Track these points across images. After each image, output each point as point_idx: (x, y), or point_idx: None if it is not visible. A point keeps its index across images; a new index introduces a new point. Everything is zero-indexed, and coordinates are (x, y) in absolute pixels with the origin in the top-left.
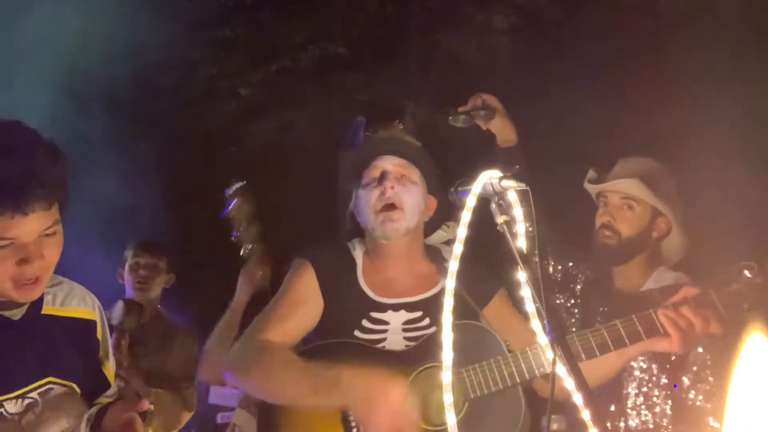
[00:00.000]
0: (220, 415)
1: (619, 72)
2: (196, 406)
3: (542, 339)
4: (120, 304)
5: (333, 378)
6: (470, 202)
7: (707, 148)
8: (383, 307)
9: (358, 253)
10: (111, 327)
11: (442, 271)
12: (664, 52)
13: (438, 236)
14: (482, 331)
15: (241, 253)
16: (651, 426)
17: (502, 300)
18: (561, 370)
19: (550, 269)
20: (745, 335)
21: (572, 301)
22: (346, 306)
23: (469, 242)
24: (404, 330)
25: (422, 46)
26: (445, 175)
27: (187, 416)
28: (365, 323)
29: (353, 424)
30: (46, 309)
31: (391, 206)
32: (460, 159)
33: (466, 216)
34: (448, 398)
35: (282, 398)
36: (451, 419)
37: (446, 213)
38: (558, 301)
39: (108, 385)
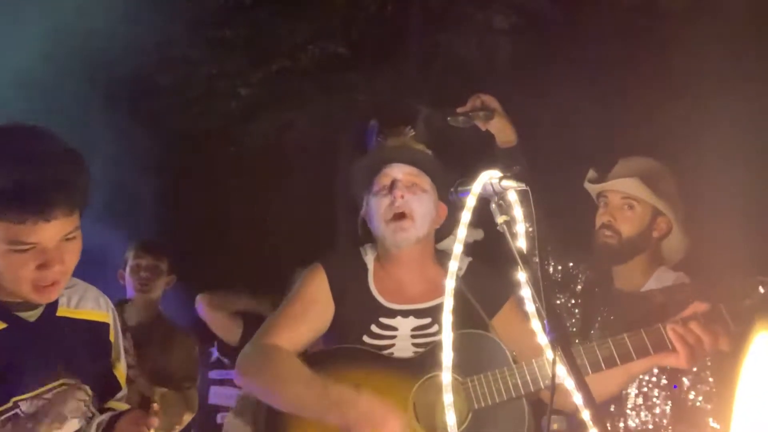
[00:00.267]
0: (220, 415)
1: (619, 72)
2: (197, 407)
3: (542, 339)
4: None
5: (337, 395)
6: (470, 202)
7: (707, 147)
8: (393, 313)
9: (369, 259)
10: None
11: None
12: (664, 52)
13: (450, 242)
14: (489, 341)
15: None
16: (651, 426)
17: (512, 309)
18: (561, 370)
19: (550, 269)
20: (752, 335)
21: (572, 301)
22: (356, 311)
23: (485, 245)
24: (413, 336)
25: (422, 46)
26: (449, 177)
27: (189, 417)
28: (374, 328)
29: None
30: (61, 311)
31: (401, 215)
32: (460, 159)
33: (465, 216)
34: (448, 398)
35: (285, 407)
36: (451, 419)
37: (458, 219)
38: (558, 301)
39: (119, 387)
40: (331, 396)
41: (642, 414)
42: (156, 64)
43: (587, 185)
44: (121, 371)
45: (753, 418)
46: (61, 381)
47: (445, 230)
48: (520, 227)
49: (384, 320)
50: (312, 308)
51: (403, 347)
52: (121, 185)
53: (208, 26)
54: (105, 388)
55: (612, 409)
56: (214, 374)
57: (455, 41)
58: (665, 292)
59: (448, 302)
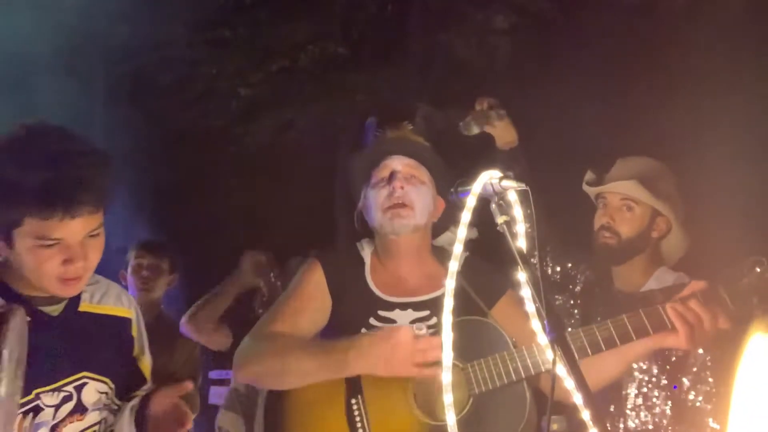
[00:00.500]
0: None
1: (619, 72)
2: (199, 407)
3: (542, 339)
4: None
5: (344, 346)
6: (470, 202)
7: (708, 147)
8: (391, 306)
9: (366, 253)
10: None
11: None
12: (664, 52)
13: (446, 238)
14: (488, 326)
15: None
16: (651, 427)
17: (511, 301)
18: (561, 370)
19: (549, 270)
20: (748, 336)
21: (572, 302)
22: (353, 304)
23: (480, 243)
24: None
25: (422, 46)
26: (452, 175)
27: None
28: (372, 321)
29: (357, 417)
30: (83, 306)
31: (400, 205)
32: (458, 159)
33: (466, 216)
34: (448, 398)
35: (296, 379)
36: (451, 419)
37: (455, 215)
38: (557, 302)
39: (144, 381)
40: (336, 348)
41: (642, 414)
42: (156, 64)
43: (585, 188)
44: (146, 364)
45: (749, 418)
46: (82, 374)
47: (439, 227)
48: (520, 227)
49: (382, 313)
50: (310, 303)
51: None
52: (121, 185)
53: (208, 26)
54: (129, 381)
55: (612, 409)
56: (214, 374)
57: (455, 41)
58: (665, 293)
59: (448, 302)
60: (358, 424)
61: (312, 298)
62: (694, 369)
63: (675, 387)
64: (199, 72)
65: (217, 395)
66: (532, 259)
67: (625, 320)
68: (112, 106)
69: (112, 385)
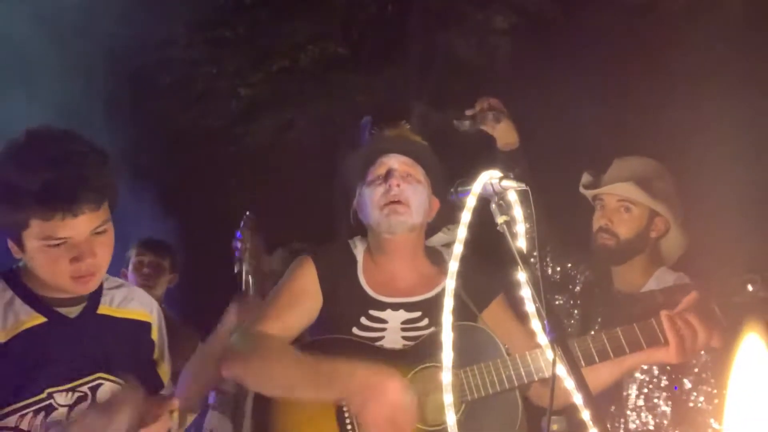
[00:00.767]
0: None
1: (620, 72)
2: (200, 407)
3: (542, 339)
4: None
5: (331, 370)
6: (470, 202)
7: (707, 147)
8: (382, 306)
9: (359, 251)
10: None
11: (443, 272)
12: (664, 52)
13: (438, 238)
14: (482, 332)
15: (242, 284)
16: (651, 428)
17: (501, 305)
18: (561, 370)
19: (549, 270)
20: (741, 336)
21: (571, 302)
22: (345, 303)
23: (472, 244)
24: (403, 329)
25: (422, 46)
26: (448, 176)
27: (191, 417)
28: (364, 321)
29: (348, 419)
30: (102, 309)
31: (396, 202)
32: (456, 159)
33: (466, 216)
34: (448, 398)
35: (279, 389)
36: (450, 419)
37: (448, 216)
38: (557, 302)
39: (162, 385)
40: (325, 371)
41: (643, 415)
42: (156, 64)
43: (582, 190)
44: (165, 370)
45: (743, 420)
46: (97, 375)
47: (432, 228)
48: (520, 227)
49: (374, 313)
50: (300, 299)
51: (392, 340)
52: (121, 185)
53: (208, 26)
54: (146, 385)
55: (612, 410)
56: None
57: (455, 41)
58: (665, 293)
59: (448, 302)
60: (349, 428)
61: (303, 294)
62: (696, 370)
63: (676, 388)
64: (199, 72)
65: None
66: (531, 260)
67: (619, 333)
68: (112, 106)
69: None
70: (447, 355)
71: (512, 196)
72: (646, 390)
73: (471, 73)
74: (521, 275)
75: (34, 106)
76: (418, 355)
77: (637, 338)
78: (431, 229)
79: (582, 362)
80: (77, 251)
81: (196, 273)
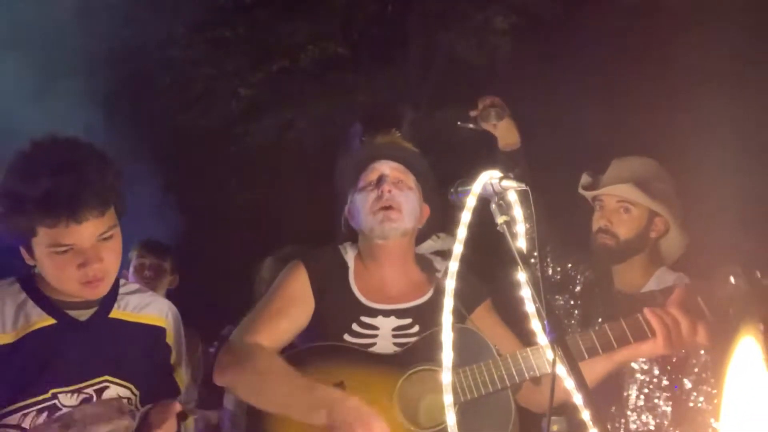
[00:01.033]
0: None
1: (619, 72)
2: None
3: (542, 339)
4: None
5: (322, 395)
6: (470, 202)
7: (707, 147)
8: (374, 312)
9: (350, 257)
10: None
11: (433, 280)
12: (664, 53)
13: (428, 245)
14: (472, 334)
15: None
16: (652, 428)
17: (488, 310)
18: (561, 370)
19: (550, 270)
20: (736, 339)
21: (572, 302)
22: (336, 309)
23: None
24: (394, 336)
25: (422, 46)
26: (445, 178)
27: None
28: (355, 327)
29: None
30: (115, 313)
31: (389, 208)
32: (460, 160)
33: (466, 216)
34: (448, 399)
35: (270, 405)
36: (451, 419)
37: (438, 223)
38: (558, 303)
39: (178, 391)
40: (318, 395)
41: (643, 416)
42: (156, 64)
43: (581, 191)
44: (181, 376)
45: (739, 423)
46: (103, 378)
47: (422, 235)
48: (520, 227)
49: (365, 319)
50: (292, 305)
51: (384, 346)
52: (121, 185)
53: (208, 26)
54: (161, 390)
55: (613, 410)
56: None
57: (455, 41)
58: (665, 293)
59: (448, 302)
60: None
61: (295, 300)
62: (696, 370)
63: (676, 388)
64: (199, 72)
65: None
66: (532, 260)
67: (607, 329)
68: (113, 107)
69: (137, 392)
70: (447, 355)
71: (512, 196)
72: (646, 390)
73: (471, 73)
74: (521, 275)
75: (34, 106)
76: (409, 358)
77: (624, 333)
78: (421, 236)
79: None
80: (84, 257)
81: (196, 273)
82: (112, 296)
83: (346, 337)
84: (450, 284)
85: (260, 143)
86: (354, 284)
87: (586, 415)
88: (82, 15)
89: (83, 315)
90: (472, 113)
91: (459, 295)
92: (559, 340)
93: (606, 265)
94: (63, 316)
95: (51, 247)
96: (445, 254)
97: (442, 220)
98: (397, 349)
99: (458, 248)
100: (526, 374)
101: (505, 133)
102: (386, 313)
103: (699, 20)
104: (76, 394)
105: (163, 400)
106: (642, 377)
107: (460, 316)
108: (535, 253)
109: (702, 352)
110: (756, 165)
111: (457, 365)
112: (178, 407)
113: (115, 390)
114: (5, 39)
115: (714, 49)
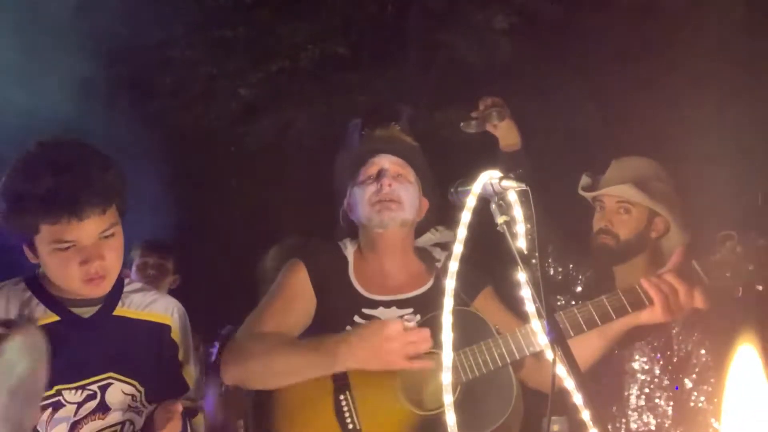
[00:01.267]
0: None
1: (619, 72)
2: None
3: (542, 339)
4: None
5: (335, 342)
6: (470, 202)
7: (707, 147)
8: (374, 304)
9: (349, 251)
10: None
11: (432, 270)
12: (664, 53)
13: (426, 238)
14: (472, 316)
15: None
16: (653, 428)
17: (489, 296)
18: (561, 370)
19: (551, 271)
20: (735, 346)
21: (573, 303)
22: (337, 303)
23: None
24: None
25: (422, 46)
26: (445, 177)
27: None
28: (357, 319)
29: (346, 412)
30: (119, 311)
31: (389, 201)
32: (460, 160)
33: (466, 216)
34: (448, 399)
35: (282, 376)
36: (451, 419)
37: (437, 217)
38: (558, 303)
39: (186, 388)
40: (327, 345)
41: (644, 415)
42: (156, 64)
43: (581, 192)
44: (190, 373)
45: (740, 423)
46: (108, 374)
47: (420, 229)
48: (520, 227)
49: (366, 311)
50: (294, 302)
51: None
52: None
53: (208, 26)
54: (168, 387)
55: (614, 410)
56: None
57: (455, 41)
58: None
59: (448, 303)
60: (348, 419)
61: (296, 297)
62: (697, 369)
63: (677, 388)
64: (199, 72)
65: None
66: (532, 260)
67: (605, 301)
68: (112, 107)
69: (141, 388)
70: (447, 354)
71: (512, 197)
72: (647, 390)
73: (471, 73)
74: (521, 275)
75: (34, 106)
76: None
77: (622, 303)
78: (419, 229)
79: (571, 332)
80: (85, 254)
81: (196, 273)
82: (116, 294)
83: (349, 329)
84: (450, 284)
85: (260, 143)
86: (354, 277)
87: (586, 415)
88: (82, 15)
89: (87, 312)
90: (474, 114)
91: (460, 282)
92: (559, 340)
93: (607, 266)
94: (67, 313)
95: (53, 244)
96: (445, 246)
97: (440, 213)
98: None
99: (458, 248)
100: (526, 350)
101: (506, 133)
102: (387, 304)
103: (699, 20)
104: (80, 391)
105: (171, 396)
106: (643, 377)
107: (461, 302)
108: (536, 254)
109: (702, 351)
110: (757, 164)
111: (459, 346)
112: (180, 407)
113: (119, 387)
114: (5, 39)
115: (714, 49)
